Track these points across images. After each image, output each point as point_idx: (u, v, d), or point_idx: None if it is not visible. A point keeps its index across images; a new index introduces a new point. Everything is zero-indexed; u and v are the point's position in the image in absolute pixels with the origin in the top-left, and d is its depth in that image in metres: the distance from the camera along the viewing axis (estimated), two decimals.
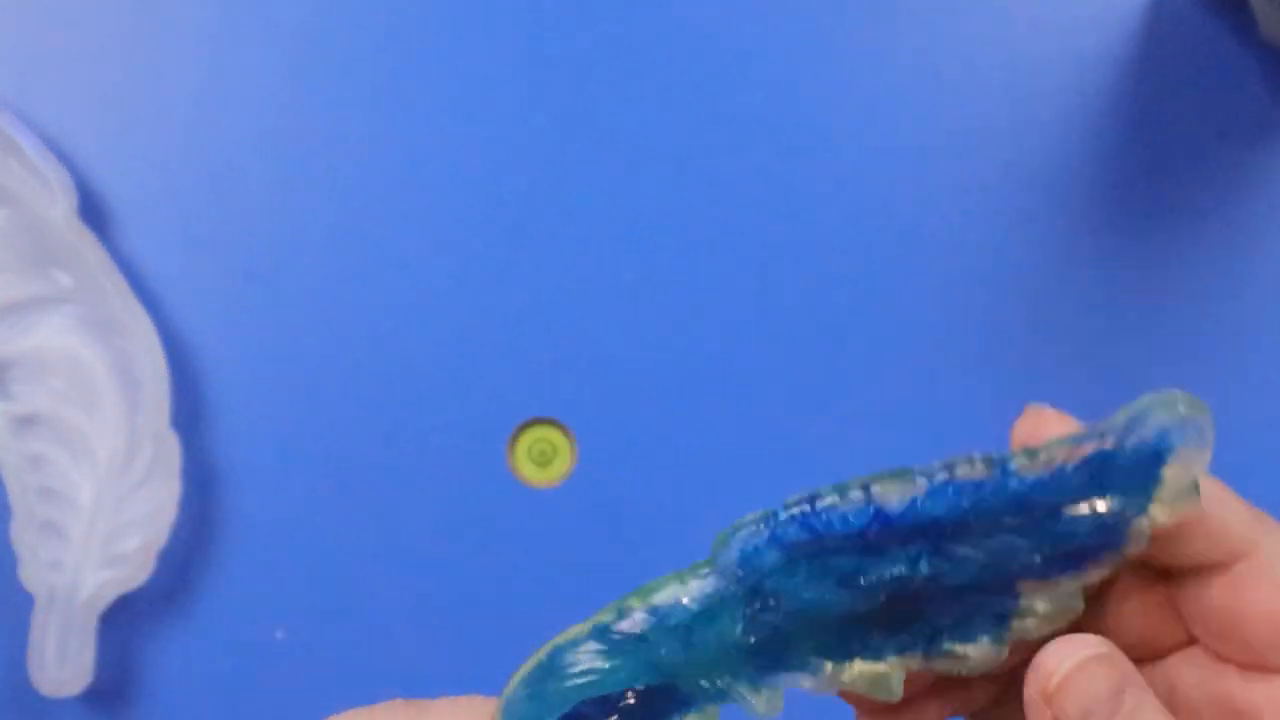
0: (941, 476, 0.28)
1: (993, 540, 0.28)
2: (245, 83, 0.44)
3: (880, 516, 0.28)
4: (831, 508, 0.28)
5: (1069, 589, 0.28)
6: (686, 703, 0.29)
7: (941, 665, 0.28)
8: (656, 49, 0.44)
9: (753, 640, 0.29)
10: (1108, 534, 0.28)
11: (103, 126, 0.44)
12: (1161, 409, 0.28)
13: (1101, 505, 0.28)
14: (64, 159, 0.43)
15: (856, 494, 0.28)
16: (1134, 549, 0.28)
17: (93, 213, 0.44)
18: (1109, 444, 0.28)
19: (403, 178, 0.44)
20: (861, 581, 0.28)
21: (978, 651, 0.28)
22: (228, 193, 0.44)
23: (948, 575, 0.28)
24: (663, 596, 0.29)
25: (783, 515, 0.28)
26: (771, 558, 0.29)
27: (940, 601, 0.28)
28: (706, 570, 0.29)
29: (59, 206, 0.42)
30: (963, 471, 0.28)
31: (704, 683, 0.29)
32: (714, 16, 0.44)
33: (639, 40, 0.44)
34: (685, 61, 0.44)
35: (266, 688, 0.43)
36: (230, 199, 0.44)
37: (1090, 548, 0.28)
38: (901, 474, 0.28)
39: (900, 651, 0.29)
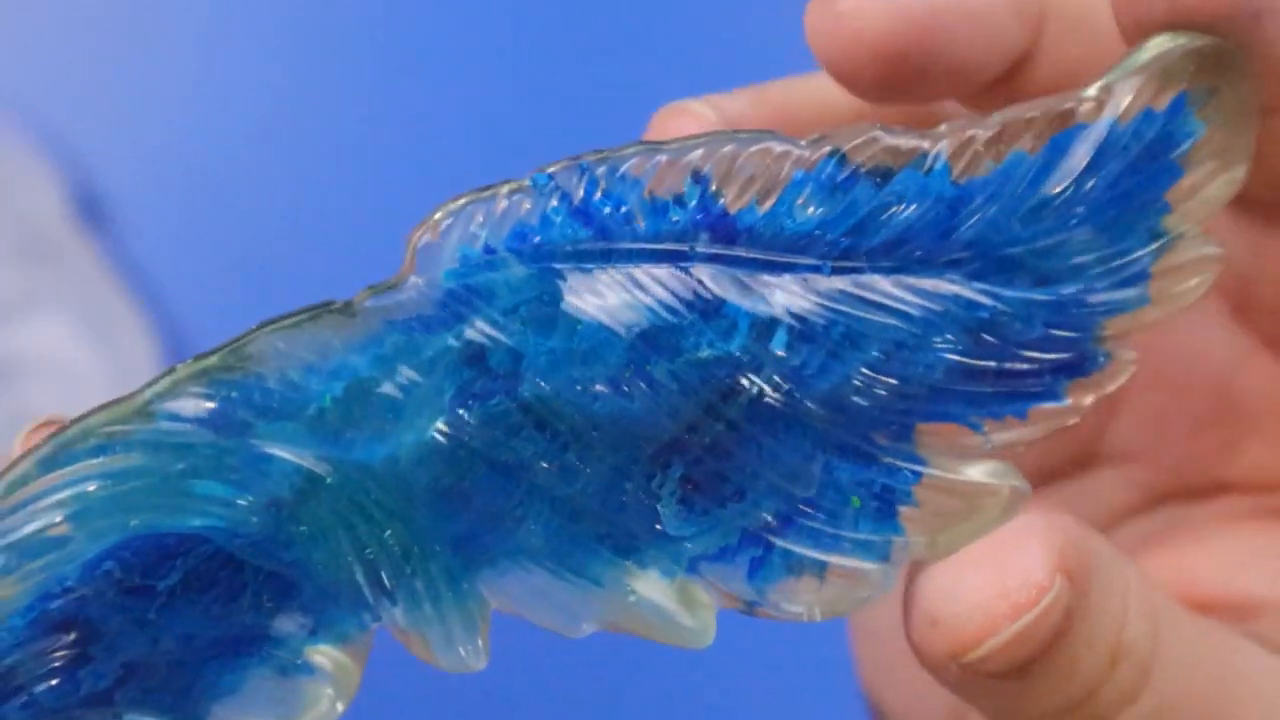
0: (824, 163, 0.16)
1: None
2: (239, 80, 0.44)
3: (714, 221, 0.16)
4: (622, 179, 0.16)
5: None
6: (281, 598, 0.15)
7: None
8: (656, 46, 0.44)
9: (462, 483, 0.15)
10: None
11: (96, 125, 0.44)
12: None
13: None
14: (57, 157, 0.43)
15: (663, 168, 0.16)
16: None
17: (86, 211, 0.43)
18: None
19: (400, 175, 0.44)
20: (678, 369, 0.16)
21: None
22: (221, 191, 0.44)
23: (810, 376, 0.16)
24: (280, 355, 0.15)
25: (544, 186, 0.16)
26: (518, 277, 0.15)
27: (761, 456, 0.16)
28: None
29: (52, 205, 0.42)
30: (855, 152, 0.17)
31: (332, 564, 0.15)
32: (714, 15, 0.44)
33: (638, 38, 0.44)
34: (685, 59, 0.44)
35: None
36: (224, 197, 0.44)
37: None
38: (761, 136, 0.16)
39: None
